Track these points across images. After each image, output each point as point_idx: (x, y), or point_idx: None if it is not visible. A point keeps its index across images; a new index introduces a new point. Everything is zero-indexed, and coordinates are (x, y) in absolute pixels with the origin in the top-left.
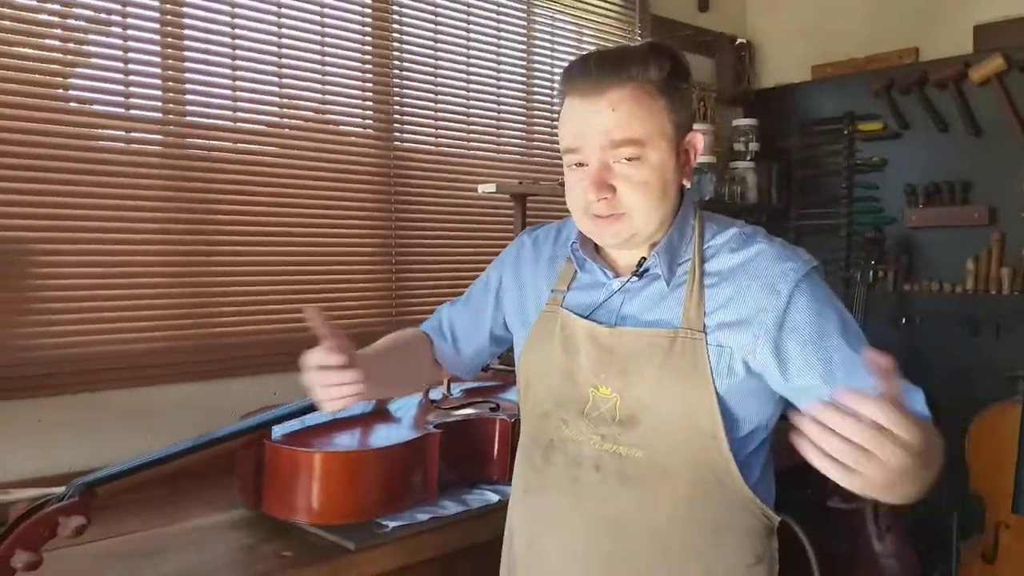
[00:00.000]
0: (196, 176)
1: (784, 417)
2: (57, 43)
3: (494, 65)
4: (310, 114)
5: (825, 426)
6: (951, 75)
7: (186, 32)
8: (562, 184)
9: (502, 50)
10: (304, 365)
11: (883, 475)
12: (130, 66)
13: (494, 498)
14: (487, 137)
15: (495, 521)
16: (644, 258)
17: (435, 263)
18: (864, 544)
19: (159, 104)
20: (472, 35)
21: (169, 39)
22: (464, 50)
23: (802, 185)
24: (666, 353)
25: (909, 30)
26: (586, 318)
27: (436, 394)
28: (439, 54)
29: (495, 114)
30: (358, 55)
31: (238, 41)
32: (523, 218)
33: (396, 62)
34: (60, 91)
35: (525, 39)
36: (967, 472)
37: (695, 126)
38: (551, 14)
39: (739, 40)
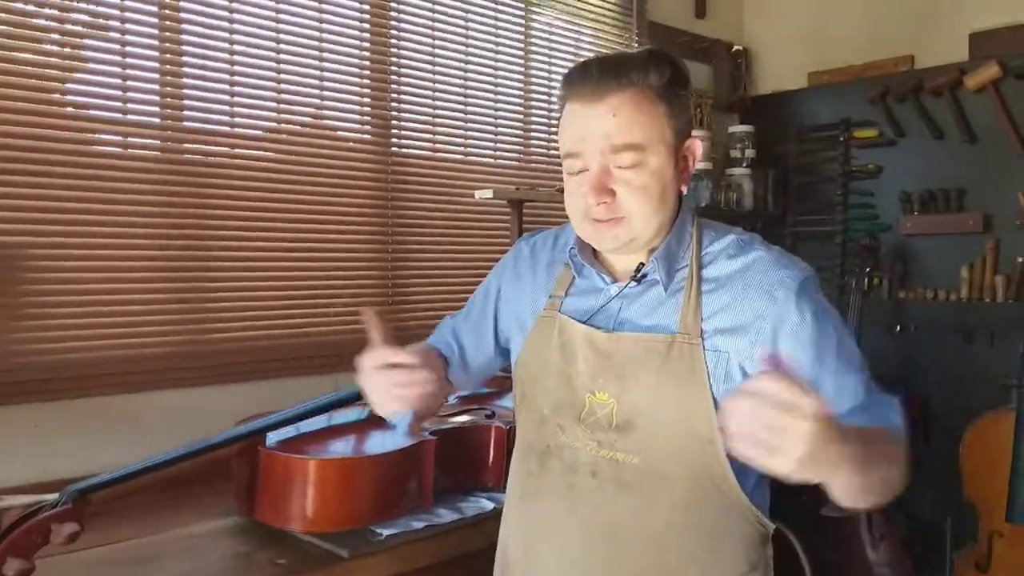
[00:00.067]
0: (193, 182)
1: None
2: (55, 48)
3: (491, 71)
4: (308, 120)
5: (736, 415)
6: (946, 83)
7: (184, 38)
8: (559, 190)
9: (499, 56)
10: (366, 366)
11: (802, 448)
12: (128, 71)
13: (489, 506)
14: (484, 143)
15: (490, 529)
16: (642, 263)
17: (432, 269)
18: (858, 552)
19: (157, 109)
20: (470, 41)
21: (167, 44)
22: (462, 56)
23: (798, 192)
24: (663, 358)
25: (905, 38)
26: (584, 323)
27: None
28: (436, 60)
29: (492, 120)
30: (356, 61)
31: (236, 47)
32: (520, 224)
33: (394, 68)
34: (57, 96)
35: (523, 45)
36: (961, 480)
37: (693, 133)
38: (548, 20)
39: (736, 47)
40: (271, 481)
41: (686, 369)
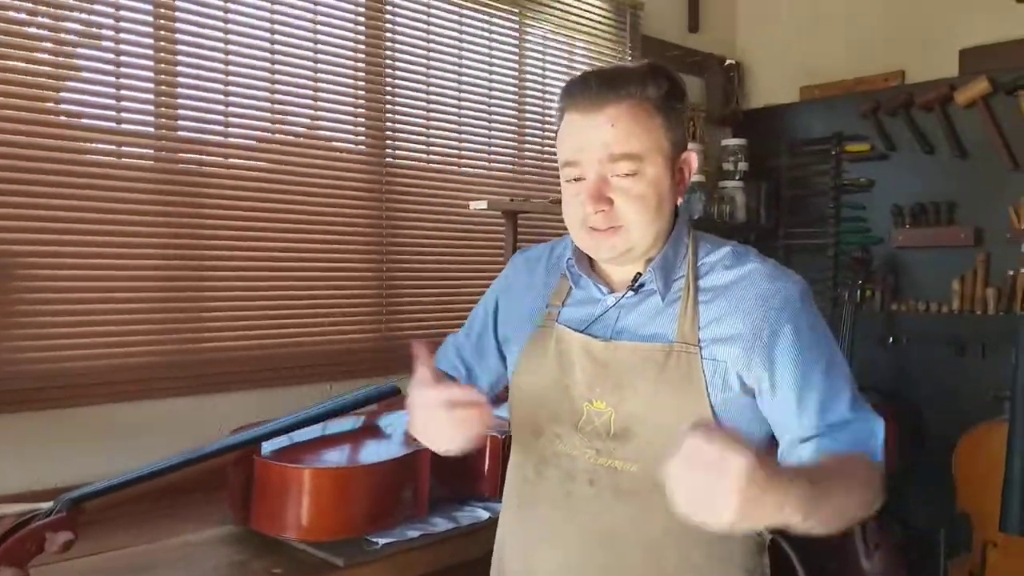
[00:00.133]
0: (187, 191)
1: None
2: (49, 57)
3: (486, 83)
4: (302, 130)
5: (671, 476)
6: (937, 98)
7: (179, 48)
8: (553, 201)
9: (494, 68)
10: (420, 402)
11: (733, 505)
12: (122, 81)
13: (484, 515)
14: (478, 155)
15: (485, 538)
16: (639, 273)
17: (426, 280)
18: (853, 562)
19: (151, 119)
20: (464, 53)
21: (162, 54)
22: (456, 68)
23: (790, 205)
24: (661, 367)
25: (896, 53)
26: (581, 332)
27: None
28: (431, 71)
29: (486, 132)
30: (350, 71)
31: (231, 56)
32: (514, 235)
33: (388, 79)
34: (51, 105)
35: (517, 58)
36: (954, 490)
37: (688, 146)
38: (543, 33)
39: (728, 61)
40: (266, 490)
41: (684, 378)
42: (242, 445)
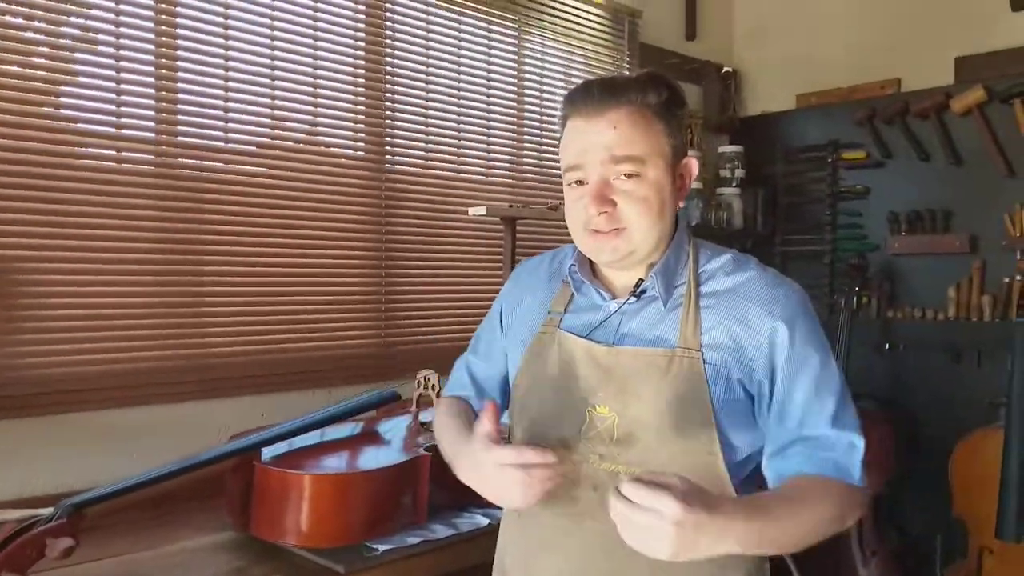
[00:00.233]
0: (187, 197)
1: None
2: (50, 62)
3: (485, 90)
4: (302, 136)
5: (615, 513)
6: (932, 106)
7: (180, 53)
8: (551, 207)
9: (493, 76)
10: (489, 460)
11: (667, 546)
12: (123, 86)
13: (484, 521)
14: (477, 161)
15: (485, 544)
16: (641, 279)
17: (425, 285)
18: (849, 568)
19: (152, 124)
20: (463, 60)
21: (163, 60)
22: (455, 75)
23: (787, 212)
24: (664, 372)
25: (891, 61)
26: (584, 338)
27: (426, 416)
28: (431, 78)
29: (485, 139)
30: (350, 78)
31: (231, 63)
32: (513, 241)
33: (388, 86)
34: (51, 110)
35: (515, 65)
36: (950, 497)
37: (688, 152)
38: (541, 41)
39: (725, 69)
40: (266, 496)
41: (687, 382)
42: (242, 451)
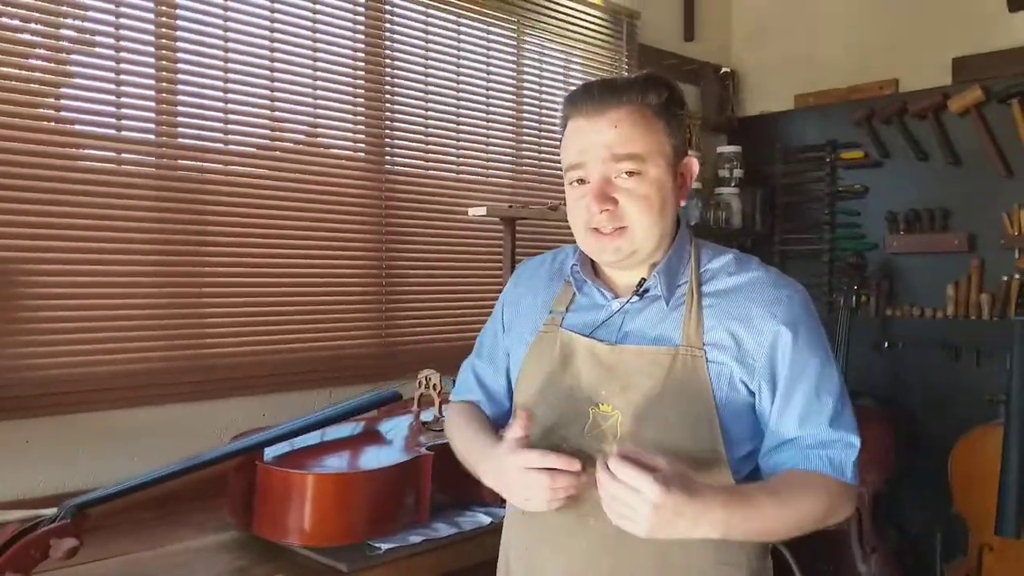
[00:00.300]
0: (188, 198)
1: None
2: (50, 64)
3: (484, 91)
4: (302, 137)
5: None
6: (930, 106)
7: (179, 55)
8: (551, 207)
9: (492, 77)
10: (518, 465)
11: (644, 525)
12: (122, 88)
13: (486, 520)
14: (477, 162)
15: (488, 543)
16: (644, 279)
17: (426, 286)
18: (849, 565)
19: (152, 126)
20: (462, 61)
21: (163, 62)
22: (454, 76)
23: (785, 211)
24: (667, 370)
25: (889, 62)
26: (586, 337)
27: (428, 416)
28: (430, 80)
29: (484, 139)
30: (350, 79)
31: (230, 64)
32: (513, 241)
33: (388, 87)
34: (51, 112)
35: (514, 66)
36: (950, 494)
37: (688, 152)
38: (540, 42)
39: (724, 69)
40: (269, 496)
41: (690, 380)
42: (244, 451)
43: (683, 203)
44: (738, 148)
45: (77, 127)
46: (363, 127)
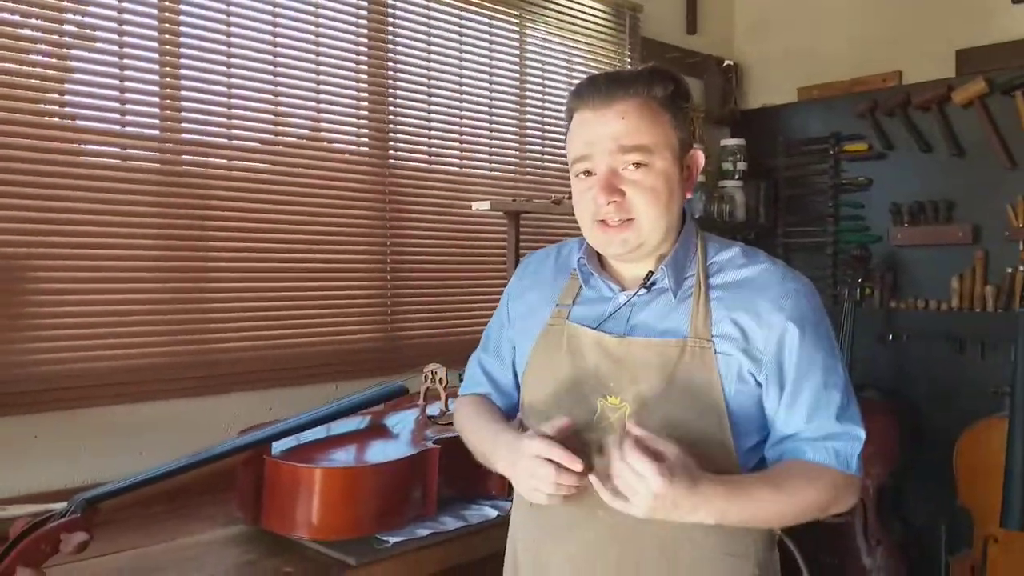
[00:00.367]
0: (191, 193)
1: None
2: (54, 60)
3: (487, 85)
4: (306, 132)
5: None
6: (934, 98)
7: (183, 51)
8: (555, 202)
9: (494, 70)
10: (529, 451)
11: (645, 508)
12: (126, 83)
13: (493, 513)
14: (480, 156)
15: (495, 536)
16: (651, 271)
17: (430, 280)
18: (854, 558)
19: (156, 122)
20: (465, 55)
21: (167, 57)
22: (457, 70)
23: (789, 204)
24: (676, 362)
25: (893, 54)
26: (594, 329)
27: (434, 410)
28: (433, 73)
29: (488, 133)
30: (353, 74)
31: (233, 60)
32: (517, 235)
33: (390, 81)
34: (56, 107)
35: (517, 60)
36: (955, 486)
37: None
38: (543, 35)
39: (726, 62)
40: (277, 489)
41: (698, 372)
42: (252, 445)
43: (689, 196)
44: (741, 141)
45: (81, 123)
46: (366, 121)
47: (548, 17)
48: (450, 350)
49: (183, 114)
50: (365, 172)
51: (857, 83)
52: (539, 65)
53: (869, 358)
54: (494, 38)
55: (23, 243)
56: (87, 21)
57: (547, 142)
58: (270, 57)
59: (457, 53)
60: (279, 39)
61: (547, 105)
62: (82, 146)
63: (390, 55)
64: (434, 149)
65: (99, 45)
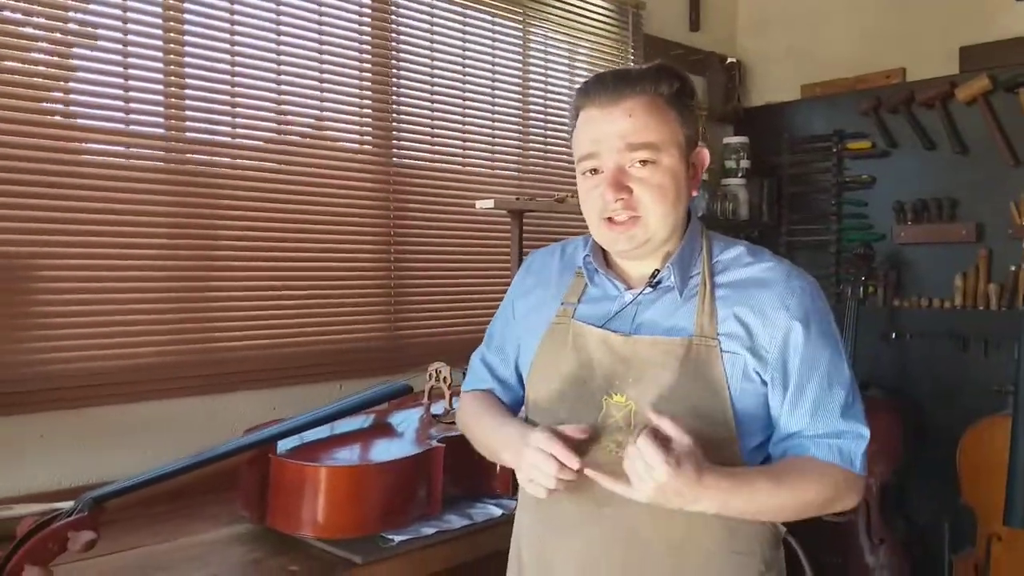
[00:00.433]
0: (196, 192)
1: None
2: (59, 59)
3: (489, 83)
4: (309, 131)
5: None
6: (937, 95)
7: (187, 50)
8: (558, 200)
9: (497, 68)
10: (534, 442)
11: (648, 494)
12: (130, 82)
13: (498, 512)
14: (483, 154)
15: (500, 534)
16: (657, 270)
17: (434, 278)
18: (857, 556)
19: (161, 121)
20: (468, 53)
21: (171, 56)
22: (460, 68)
23: (792, 202)
24: (681, 360)
25: (896, 51)
26: (600, 328)
27: (438, 408)
28: (436, 72)
29: (491, 132)
30: (356, 72)
31: (237, 58)
32: (520, 234)
33: (394, 80)
34: (59, 106)
35: (520, 58)
36: (958, 484)
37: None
38: (545, 33)
39: (729, 59)
40: (282, 488)
41: (704, 370)
42: (258, 444)
43: (695, 194)
44: (744, 139)
45: (85, 121)
46: (370, 120)
47: (551, 15)
48: (454, 349)
49: (187, 112)
50: (369, 171)
51: (860, 80)
52: (542, 63)
53: (872, 356)
54: (497, 36)
55: (28, 242)
56: (90, 19)
57: (550, 140)
58: (274, 56)
59: (460, 51)
60: (283, 38)
61: (550, 103)
62: (86, 145)
63: (393, 54)
64: (437, 148)
65: (102, 43)
